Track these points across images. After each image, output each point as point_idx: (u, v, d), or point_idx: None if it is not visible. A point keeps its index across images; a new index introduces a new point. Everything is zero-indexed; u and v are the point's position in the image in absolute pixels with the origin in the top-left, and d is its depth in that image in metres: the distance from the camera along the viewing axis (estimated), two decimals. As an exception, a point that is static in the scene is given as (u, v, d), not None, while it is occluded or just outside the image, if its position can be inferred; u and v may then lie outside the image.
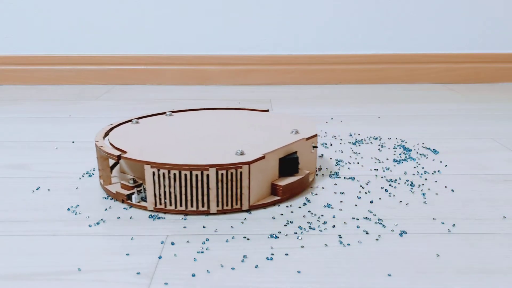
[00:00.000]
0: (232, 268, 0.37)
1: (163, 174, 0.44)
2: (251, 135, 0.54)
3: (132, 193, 0.48)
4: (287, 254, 0.40)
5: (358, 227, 0.44)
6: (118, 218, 0.46)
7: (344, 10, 1.14)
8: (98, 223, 0.45)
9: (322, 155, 0.64)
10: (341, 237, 0.42)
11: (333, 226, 0.44)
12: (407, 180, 0.55)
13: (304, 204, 0.49)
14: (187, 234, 0.43)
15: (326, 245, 0.41)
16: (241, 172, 0.45)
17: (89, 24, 1.14)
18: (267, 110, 0.64)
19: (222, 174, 0.44)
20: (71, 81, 1.15)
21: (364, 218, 0.46)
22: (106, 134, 0.55)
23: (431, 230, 0.44)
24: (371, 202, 0.50)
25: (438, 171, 0.58)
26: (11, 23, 1.14)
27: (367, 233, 0.43)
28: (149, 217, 0.46)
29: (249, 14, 1.13)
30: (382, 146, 0.68)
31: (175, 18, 1.13)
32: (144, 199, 0.48)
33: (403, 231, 0.43)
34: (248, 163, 0.45)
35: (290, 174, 0.50)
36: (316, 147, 0.54)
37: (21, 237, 0.43)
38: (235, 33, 1.15)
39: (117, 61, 1.15)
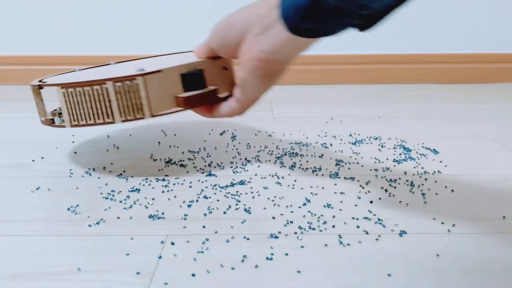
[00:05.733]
0: (232, 268, 0.37)
1: (70, 92, 0.50)
2: (163, 62, 0.58)
3: (54, 117, 0.55)
4: (287, 254, 0.40)
5: (358, 227, 0.44)
6: (118, 218, 0.46)
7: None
8: (98, 223, 0.45)
9: (322, 155, 0.64)
10: (341, 237, 0.42)
11: (333, 226, 0.44)
12: (407, 180, 0.55)
13: (304, 204, 0.49)
14: (187, 234, 0.43)
15: (326, 245, 0.41)
16: (136, 84, 0.49)
17: (89, 24, 1.14)
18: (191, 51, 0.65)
19: (119, 86, 0.49)
20: (71, 81, 1.15)
21: (364, 218, 0.46)
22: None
23: (431, 230, 0.44)
24: (371, 202, 0.50)
25: (438, 171, 0.58)
26: (11, 23, 1.14)
27: (367, 233, 0.43)
28: (149, 217, 0.46)
29: (249, 14, 1.13)
30: (382, 146, 0.68)
31: (175, 18, 1.13)
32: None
33: (403, 231, 0.43)
34: (142, 74, 0.49)
35: (196, 89, 0.53)
36: (227, 68, 0.56)
37: (21, 237, 0.43)
38: (235, 33, 1.14)
39: (117, 61, 1.15)
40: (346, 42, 1.15)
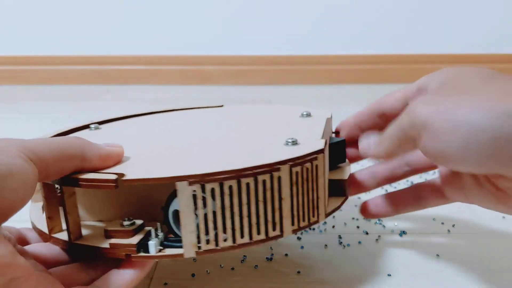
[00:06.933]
0: (232, 268, 0.37)
1: (212, 191, 0.27)
2: (269, 127, 0.38)
3: (146, 239, 0.28)
4: (287, 254, 0.40)
5: (358, 227, 0.44)
6: (118, 218, 0.46)
7: (344, 10, 1.14)
8: (98, 223, 0.45)
9: (322, 155, 0.64)
10: (341, 238, 0.42)
11: (333, 226, 0.44)
12: (407, 180, 0.55)
13: (304, 204, 0.49)
14: (187, 234, 0.43)
15: (326, 245, 0.41)
16: (316, 166, 0.31)
17: (89, 24, 1.14)
18: (222, 106, 0.49)
19: (297, 172, 0.29)
20: (71, 81, 1.15)
21: (364, 218, 0.46)
22: None
23: (431, 230, 0.44)
24: (371, 202, 0.49)
25: (438, 171, 0.58)
26: (11, 23, 1.14)
27: (367, 233, 0.43)
28: (149, 217, 0.46)
29: (249, 14, 1.13)
30: (382, 146, 0.68)
31: (174, 18, 1.13)
32: (169, 243, 0.29)
33: (403, 231, 0.43)
34: (322, 151, 0.31)
35: (337, 166, 0.38)
36: (337, 132, 0.42)
37: (21, 237, 0.43)
38: (235, 33, 1.15)
39: (117, 61, 1.15)
40: (346, 42, 1.16)
